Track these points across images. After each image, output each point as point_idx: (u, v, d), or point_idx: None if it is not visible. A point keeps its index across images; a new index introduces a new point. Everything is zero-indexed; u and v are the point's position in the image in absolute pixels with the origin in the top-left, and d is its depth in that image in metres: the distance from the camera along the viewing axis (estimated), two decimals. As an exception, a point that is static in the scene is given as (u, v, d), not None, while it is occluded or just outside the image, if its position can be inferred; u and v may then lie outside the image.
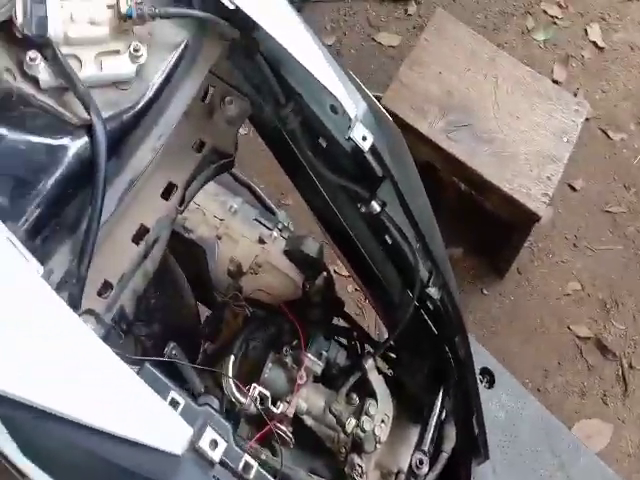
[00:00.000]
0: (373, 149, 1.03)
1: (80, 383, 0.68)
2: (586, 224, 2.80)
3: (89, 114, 0.79)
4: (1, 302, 0.65)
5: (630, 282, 2.71)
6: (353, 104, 0.99)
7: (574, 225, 2.79)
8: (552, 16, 3.09)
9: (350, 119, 0.99)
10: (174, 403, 0.80)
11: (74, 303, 0.85)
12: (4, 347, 0.64)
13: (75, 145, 0.80)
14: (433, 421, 1.30)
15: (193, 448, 0.71)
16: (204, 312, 1.56)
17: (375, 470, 1.36)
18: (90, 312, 0.96)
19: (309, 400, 1.30)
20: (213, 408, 0.86)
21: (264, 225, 1.52)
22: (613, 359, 2.52)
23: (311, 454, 1.35)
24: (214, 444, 0.72)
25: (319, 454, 1.35)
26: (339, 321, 1.51)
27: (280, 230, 1.50)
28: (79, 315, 0.80)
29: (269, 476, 0.88)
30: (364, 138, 1.01)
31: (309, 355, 1.27)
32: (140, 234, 1.06)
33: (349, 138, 1.01)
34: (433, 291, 1.27)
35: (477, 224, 2.60)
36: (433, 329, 1.40)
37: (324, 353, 1.30)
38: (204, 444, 0.71)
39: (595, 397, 2.43)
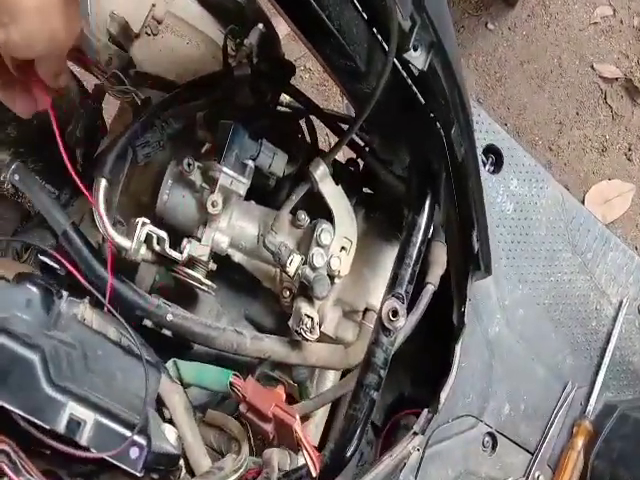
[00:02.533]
0: None
1: None
2: None
3: None
4: None
5: (674, 2, 2.14)
6: None
7: None
8: None
9: None
10: None
11: None
12: None
13: None
14: (414, 249, 0.88)
15: None
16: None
17: (335, 307, 1.00)
18: None
19: (235, 229, 0.89)
20: None
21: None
22: (643, 104, 2.06)
23: (247, 296, 0.98)
24: None
25: (257, 296, 0.98)
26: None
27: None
28: None
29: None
30: None
31: (224, 169, 0.82)
32: None
33: None
34: (416, 56, 0.75)
35: None
36: (420, 98, 0.91)
37: (249, 163, 0.85)
38: None
39: (617, 152, 2.01)
